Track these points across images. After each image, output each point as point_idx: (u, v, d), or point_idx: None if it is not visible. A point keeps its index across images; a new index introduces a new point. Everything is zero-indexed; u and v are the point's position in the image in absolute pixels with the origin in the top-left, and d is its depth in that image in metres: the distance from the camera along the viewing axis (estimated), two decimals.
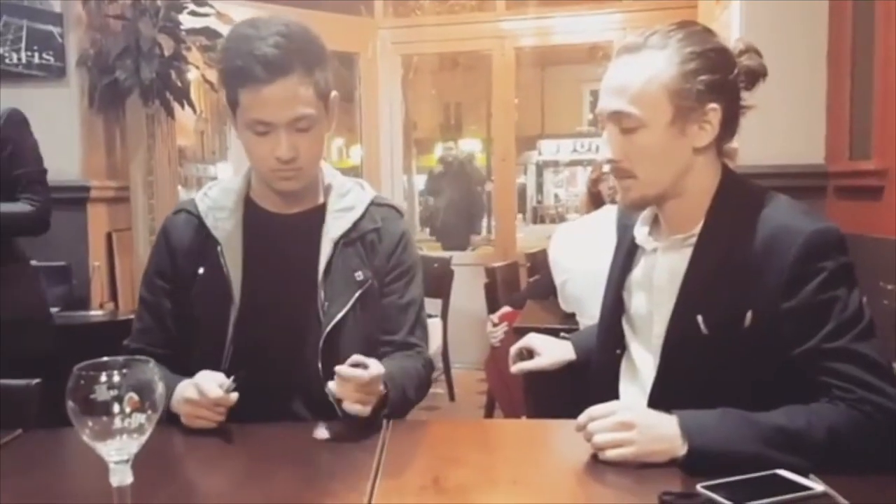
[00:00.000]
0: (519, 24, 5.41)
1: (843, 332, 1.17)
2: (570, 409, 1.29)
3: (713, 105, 1.23)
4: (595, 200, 3.03)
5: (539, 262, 4.07)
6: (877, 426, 1.13)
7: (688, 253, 1.29)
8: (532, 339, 1.61)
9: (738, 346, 1.23)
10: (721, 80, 1.23)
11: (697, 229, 1.28)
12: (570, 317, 2.83)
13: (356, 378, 1.28)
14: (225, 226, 1.52)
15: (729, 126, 1.27)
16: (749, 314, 1.22)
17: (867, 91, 2.72)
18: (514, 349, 1.62)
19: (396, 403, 1.40)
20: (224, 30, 3.69)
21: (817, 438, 1.12)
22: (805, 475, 1.07)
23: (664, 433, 1.14)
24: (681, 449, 1.13)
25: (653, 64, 1.22)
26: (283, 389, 1.47)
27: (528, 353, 1.61)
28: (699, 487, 1.03)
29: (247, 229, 1.53)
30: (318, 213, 1.55)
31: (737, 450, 1.11)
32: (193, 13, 3.44)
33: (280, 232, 1.54)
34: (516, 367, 1.58)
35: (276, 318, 1.49)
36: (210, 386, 1.31)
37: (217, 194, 1.56)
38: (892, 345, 2.35)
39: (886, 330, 2.37)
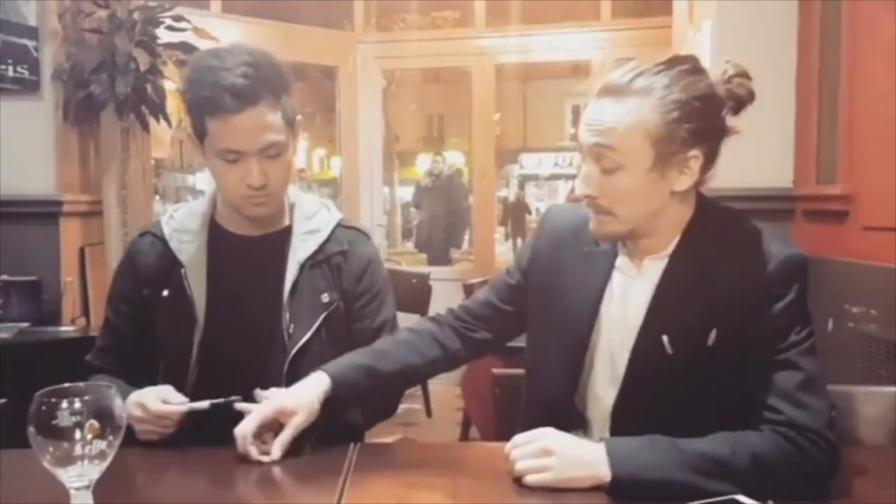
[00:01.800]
0: (499, 41, 5.43)
1: (791, 348, 1.21)
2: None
3: (695, 152, 1.23)
4: None
5: None
6: (799, 450, 1.15)
7: (658, 276, 1.30)
8: (276, 404, 1.32)
9: (701, 364, 1.25)
10: (704, 127, 1.22)
11: (670, 250, 1.30)
12: None
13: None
14: (189, 248, 1.53)
15: (709, 166, 1.27)
16: (713, 333, 1.24)
17: (834, 117, 2.78)
18: (250, 430, 1.29)
19: (332, 428, 1.38)
20: (201, 45, 3.69)
21: (741, 465, 1.14)
22: (764, 501, 1.09)
23: (585, 460, 1.16)
24: (606, 476, 1.14)
25: (636, 111, 1.20)
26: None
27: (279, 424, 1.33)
28: None
29: (211, 252, 1.54)
30: (284, 236, 1.56)
31: (662, 478, 1.13)
32: (170, 28, 3.43)
33: (245, 254, 1.55)
34: (275, 450, 1.29)
35: (241, 341, 1.50)
36: (150, 399, 1.35)
37: (182, 217, 1.58)
38: (855, 366, 2.39)
39: (851, 352, 2.41)
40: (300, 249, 1.54)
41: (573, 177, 4.20)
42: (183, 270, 1.51)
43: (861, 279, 2.43)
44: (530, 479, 1.17)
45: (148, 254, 1.56)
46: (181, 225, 1.56)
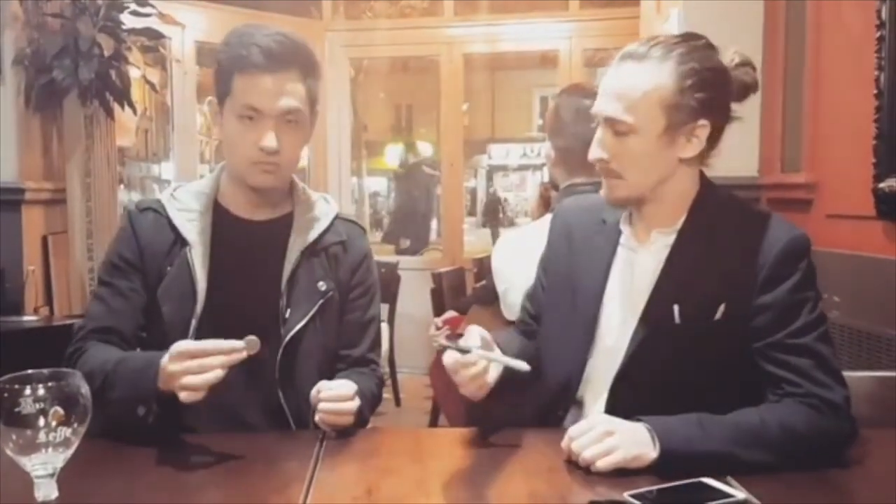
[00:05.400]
0: (467, 30, 5.44)
1: (807, 331, 1.25)
2: (508, 417, 1.33)
3: (703, 121, 1.29)
4: (546, 205, 3.07)
5: (486, 268, 4.08)
6: (823, 416, 1.21)
7: (666, 251, 1.34)
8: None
9: (706, 338, 1.28)
10: (714, 98, 1.29)
11: (679, 225, 1.34)
12: (513, 324, 2.85)
13: (342, 408, 1.37)
14: (194, 228, 1.52)
15: (715, 139, 1.33)
16: (721, 307, 1.28)
17: (798, 106, 2.82)
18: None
19: (357, 422, 1.42)
20: (166, 30, 3.65)
21: (772, 433, 1.19)
22: (724, 478, 1.11)
23: (639, 438, 1.18)
24: (653, 452, 1.16)
25: (653, 76, 1.27)
26: (239, 397, 1.47)
27: None
28: (626, 496, 1.06)
29: (214, 233, 1.54)
30: (286, 222, 1.57)
31: (707, 450, 1.16)
32: (135, 13, 3.38)
33: (247, 238, 1.55)
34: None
35: (237, 324, 1.45)
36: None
37: (184, 196, 1.56)
38: None
39: None
40: (301, 237, 1.55)
41: (542, 167, 4.23)
42: (188, 249, 1.50)
43: (824, 267, 2.45)
44: (601, 463, 1.16)
45: (151, 229, 1.53)
46: (184, 204, 1.54)
